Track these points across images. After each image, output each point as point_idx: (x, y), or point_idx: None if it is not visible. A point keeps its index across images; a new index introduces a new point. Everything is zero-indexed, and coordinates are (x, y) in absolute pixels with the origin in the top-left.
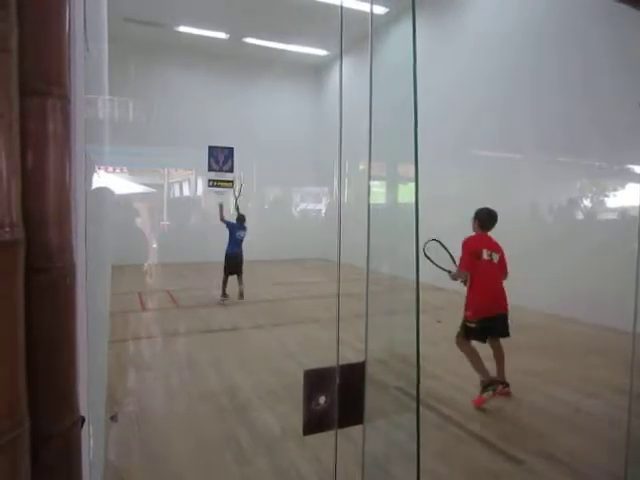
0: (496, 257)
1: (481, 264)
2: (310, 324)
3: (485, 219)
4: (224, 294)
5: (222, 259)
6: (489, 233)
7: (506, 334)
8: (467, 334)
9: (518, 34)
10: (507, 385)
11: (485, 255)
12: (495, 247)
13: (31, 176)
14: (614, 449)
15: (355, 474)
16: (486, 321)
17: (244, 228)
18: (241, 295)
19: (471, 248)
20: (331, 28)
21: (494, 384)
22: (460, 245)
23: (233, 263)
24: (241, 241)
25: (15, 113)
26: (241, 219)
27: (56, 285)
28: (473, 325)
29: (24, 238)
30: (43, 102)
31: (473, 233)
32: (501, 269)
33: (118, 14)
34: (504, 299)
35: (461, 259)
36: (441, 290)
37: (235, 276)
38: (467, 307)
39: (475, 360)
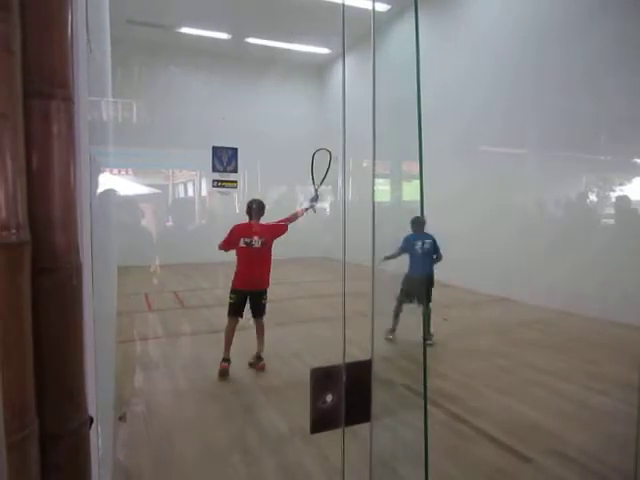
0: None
1: (239, 248)
2: (314, 323)
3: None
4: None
5: (225, 259)
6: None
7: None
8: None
9: (521, 30)
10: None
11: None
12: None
13: (36, 178)
14: (624, 445)
15: (363, 472)
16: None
17: (427, 235)
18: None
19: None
20: (333, 26)
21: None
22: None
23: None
24: (430, 253)
25: (19, 115)
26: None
27: (63, 286)
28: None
29: (30, 239)
30: (47, 104)
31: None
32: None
33: (121, 16)
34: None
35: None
36: (446, 287)
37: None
38: None
39: None
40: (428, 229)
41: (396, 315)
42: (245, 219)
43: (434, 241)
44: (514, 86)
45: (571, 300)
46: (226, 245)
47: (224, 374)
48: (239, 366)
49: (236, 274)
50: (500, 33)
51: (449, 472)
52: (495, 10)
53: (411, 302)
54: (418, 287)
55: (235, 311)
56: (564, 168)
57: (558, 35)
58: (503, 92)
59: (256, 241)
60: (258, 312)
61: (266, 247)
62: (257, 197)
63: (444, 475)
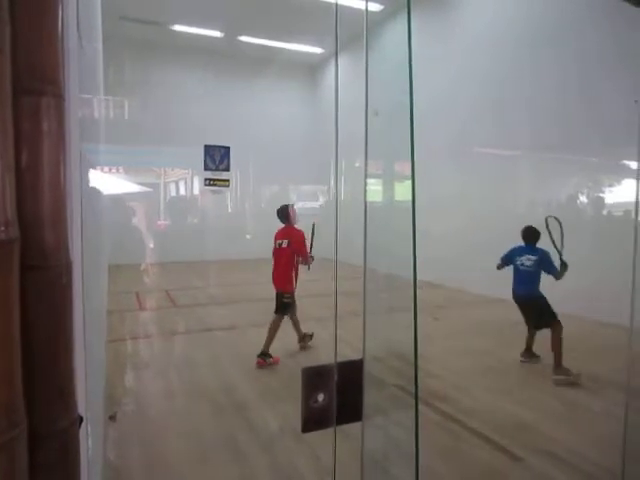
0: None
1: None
2: (307, 322)
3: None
4: (530, 353)
5: (217, 258)
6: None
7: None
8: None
9: (515, 32)
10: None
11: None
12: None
13: (26, 175)
14: (612, 445)
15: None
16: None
17: (533, 250)
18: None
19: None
20: (326, 26)
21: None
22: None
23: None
24: (531, 273)
25: (8, 112)
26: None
27: (52, 284)
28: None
29: (19, 237)
30: (37, 100)
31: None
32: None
33: (113, 13)
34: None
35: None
36: (438, 288)
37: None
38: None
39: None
40: (420, 228)
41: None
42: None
43: (541, 259)
44: (507, 87)
45: (562, 301)
46: None
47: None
48: (238, 366)
49: None
50: (493, 34)
51: (440, 471)
52: (489, 11)
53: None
54: (522, 307)
55: (275, 309)
56: (555, 169)
57: (551, 37)
58: (496, 93)
59: (278, 243)
60: (276, 309)
61: (285, 251)
62: (250, 196)
63: (435, 474)
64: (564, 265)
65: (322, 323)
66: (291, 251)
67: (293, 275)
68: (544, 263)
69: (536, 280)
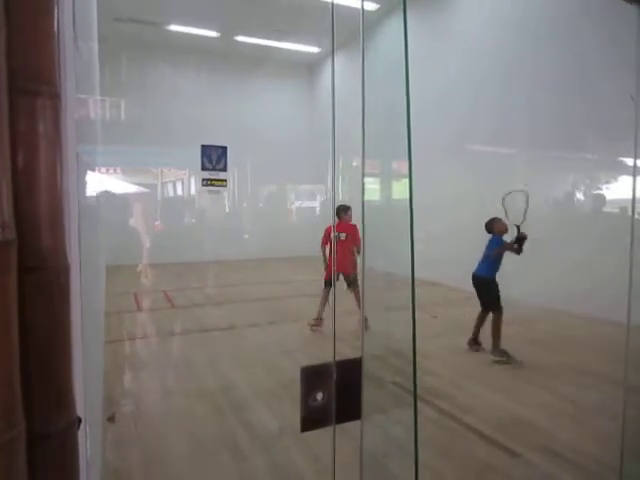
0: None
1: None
2: (305, 322)
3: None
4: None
5: (215, 258)
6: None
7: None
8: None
9: (512, 30)
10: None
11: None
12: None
13: (22, 176)
14: (610, 440)
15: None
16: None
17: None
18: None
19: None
20: (323, 25)
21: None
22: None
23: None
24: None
25: (4, 112)
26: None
27: (50, 285)
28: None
29: (16, 238)
30: (33, 101)
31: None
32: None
33: (109, 13)
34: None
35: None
36: (435, 285)
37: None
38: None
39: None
40: (419, 228)
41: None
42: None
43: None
44: (504, 86)
45: (559, 298)
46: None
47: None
48: (232, 365)
49: None
50: (491, 32)
51: (439, 468)
52: (486, 9)
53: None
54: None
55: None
56: (552, 167)
57: (549, 35)
58: (493, 91)
59: (336, 235)
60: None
61: (345, 242)
62: (247, 196)
63: (434, 471)
64: (520, 238)
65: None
66: (349, 241)
67: (353, 259)
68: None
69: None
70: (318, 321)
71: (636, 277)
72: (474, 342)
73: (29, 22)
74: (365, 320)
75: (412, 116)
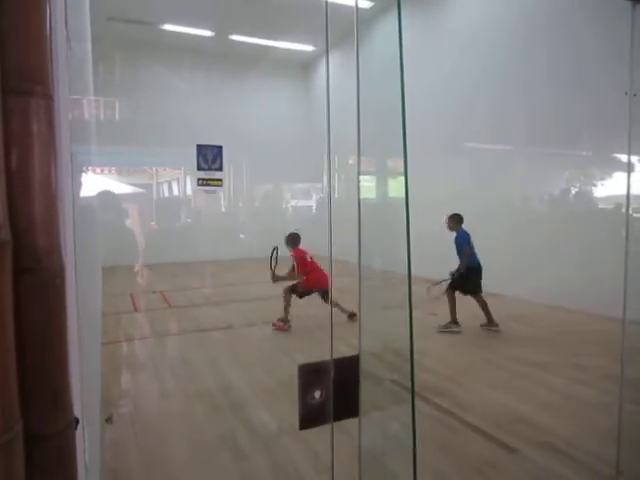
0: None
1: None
2: (303, 320)
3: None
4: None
5: (212, 258)
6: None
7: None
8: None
9: (507, 26)
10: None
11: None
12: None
13: (16, 177)
14: (607, 435)
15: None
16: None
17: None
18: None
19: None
20: (317, 23)
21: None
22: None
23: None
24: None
25: None
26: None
27: (45, 286)
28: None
29: (11, 239)
30: (26, 101)
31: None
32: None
33: (102, 13)
34: None
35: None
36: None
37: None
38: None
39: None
40: (416, 226)
41: (453, 307)
42: None
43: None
44: (501, 83)
45: (559, 294)
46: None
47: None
48: (230, 365)
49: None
50: (486, 30)
51: (438, 465)
52: (481, 6)
53: (466, 293)
54: (477, 277)
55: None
56: (549, 164)
57: (544, 31)
58: (489, 89)
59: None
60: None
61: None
62: (243, 195)
63: (433, 468)
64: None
65: (316, 320)
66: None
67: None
68: None
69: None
70: (283, 323)
71: (632, 273)
72: (456, 323)
73: (21, 22)
74: (352, 315)
75: (407, 113)
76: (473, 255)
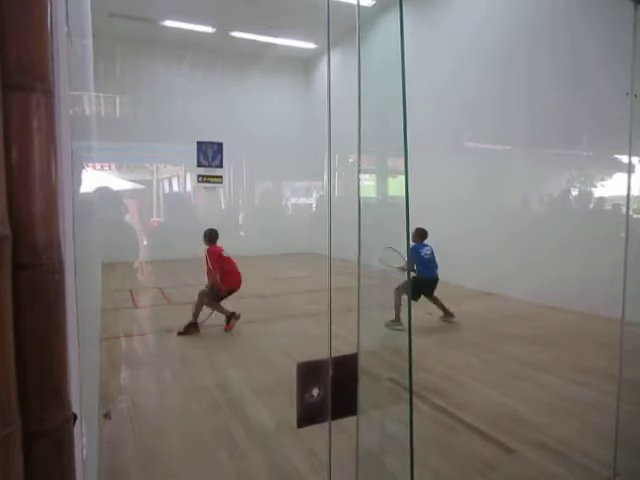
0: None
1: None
2: (301, 318)
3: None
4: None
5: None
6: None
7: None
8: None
9: (509, 26)
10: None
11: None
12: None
13: (16, 173)
14: (604, 436)
15: (350, 466)
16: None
17: (426, 245)
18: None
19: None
20: (319, 21)
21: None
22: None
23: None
24: (432, 260)
25: None
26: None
27: (44, 282)
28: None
29: (10, 234)
30: (27, 97)
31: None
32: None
33: (103, 9)
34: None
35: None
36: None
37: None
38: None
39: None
40: (415, 224)
41: (398, 307)
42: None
43: (432, 251)
44: (501, 83)
45: (556, 295)
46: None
47: None
48: (228, 362)
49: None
50: (488, 29)
51: (435, 464)
52: (483, 5)
53: (416, 300)
54: (427, 286)
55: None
56: (550, 164)
57: (546, 31)
58: (490, 89)
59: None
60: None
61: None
62: (243, 192)
63: (430, 467)
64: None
65: (315, 318)
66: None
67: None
68: (434, 253)
69: (435, 262)
70: (192, 328)
71: (631, 273)
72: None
73: (22, 18)
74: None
75: (408, 112)
76: (429, 267)
